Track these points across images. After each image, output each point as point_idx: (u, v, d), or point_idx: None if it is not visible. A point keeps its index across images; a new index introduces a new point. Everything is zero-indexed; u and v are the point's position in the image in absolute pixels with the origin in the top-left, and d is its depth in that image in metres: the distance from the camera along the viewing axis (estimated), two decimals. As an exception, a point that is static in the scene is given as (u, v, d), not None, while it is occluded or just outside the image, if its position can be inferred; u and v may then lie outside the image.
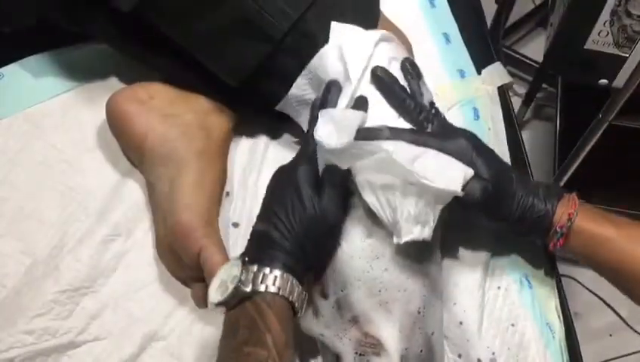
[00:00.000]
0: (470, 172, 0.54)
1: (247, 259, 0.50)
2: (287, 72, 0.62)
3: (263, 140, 0.72)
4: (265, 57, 0.60)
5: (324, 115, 0.53)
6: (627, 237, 0.54)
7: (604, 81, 0.92)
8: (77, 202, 0.65)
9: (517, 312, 0.63)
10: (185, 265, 0.60)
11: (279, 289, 0.48)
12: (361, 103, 0.58)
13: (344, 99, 0.58)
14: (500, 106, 0.74)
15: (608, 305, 1.44)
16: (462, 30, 0.80)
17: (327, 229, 0.53)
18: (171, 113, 0.64)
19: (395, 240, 0.52)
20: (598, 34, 0.89)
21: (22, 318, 0.58)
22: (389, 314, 0.53)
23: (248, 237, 0.54)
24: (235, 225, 0.66)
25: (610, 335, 1.43)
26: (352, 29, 0.61)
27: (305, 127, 0.64)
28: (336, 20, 0.61)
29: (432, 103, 0.60)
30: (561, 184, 1.12)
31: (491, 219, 0.58)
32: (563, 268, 1.46)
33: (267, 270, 0.49)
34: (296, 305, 0.50)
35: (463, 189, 0.52)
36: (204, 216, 0.60)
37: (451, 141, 0.56)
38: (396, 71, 0.60)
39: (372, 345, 0.53)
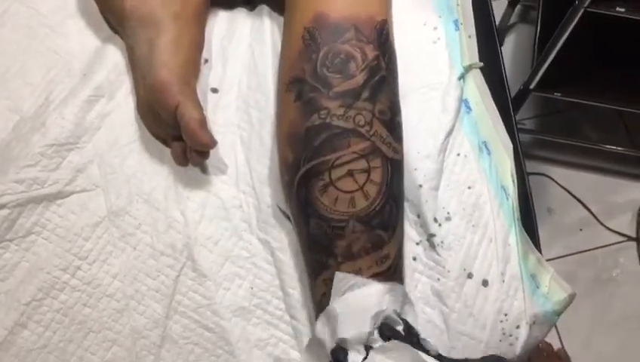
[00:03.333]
0: None
1: None
2: None
3: (241, 11, 0.74)
4: None
5: None
6: None
7: (579, -36, 0.93)
8: (61, 64, 0.68)
9: (474, 177, 0.67)
10: (164, 123, 0.63)
11: None
12: None
13: None
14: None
15: (580, 201, 1.51)
16: None
17: None
18: (149, -24, 0.65)
19: None
20: None
21: (12, 168, 0.63)
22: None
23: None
24: (214, 90, 0.70)
25: (581, 229, 1.50)
26: (357, 283, 0.54)
27: None
28: None
29: None
30: (539, 76, 1.14)
31: None
32: (537, 166, 1.54)
33: None
34: None
35: None
36: (180, 74, 0.62)
37: None
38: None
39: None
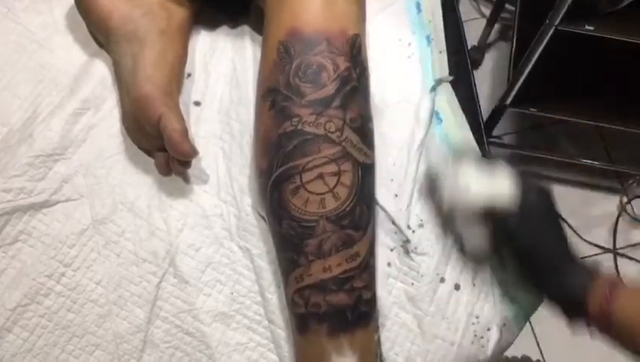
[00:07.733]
0: None
1: None
2: None
3: (223, 29, 0.76)
4: None
5: None
6: None
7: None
8: (48, 79, 0.71)
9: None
10: (148, 134, 0.66)
11: None
12: None
13: None
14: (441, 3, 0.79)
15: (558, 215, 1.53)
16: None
17: None
18: (134, -6, 0.68)
19: None
20: None
21: (0, 178, 0.65)
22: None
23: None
24: (197, 103, 0.72)
25: (560, 242, 1.52)
26: None
27: None
28: None
29: None
30: (514, 93, 1.17)
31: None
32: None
33: None
34: None
35: None
36: (164, 87, 0.65)
37: None
38: None
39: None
